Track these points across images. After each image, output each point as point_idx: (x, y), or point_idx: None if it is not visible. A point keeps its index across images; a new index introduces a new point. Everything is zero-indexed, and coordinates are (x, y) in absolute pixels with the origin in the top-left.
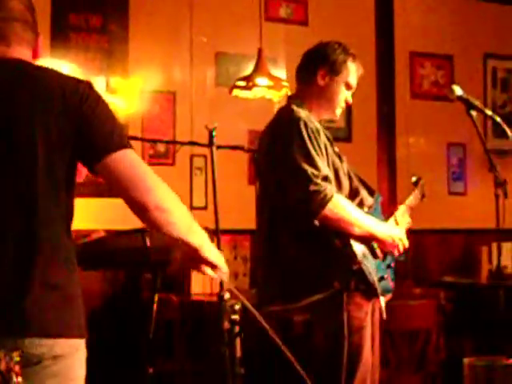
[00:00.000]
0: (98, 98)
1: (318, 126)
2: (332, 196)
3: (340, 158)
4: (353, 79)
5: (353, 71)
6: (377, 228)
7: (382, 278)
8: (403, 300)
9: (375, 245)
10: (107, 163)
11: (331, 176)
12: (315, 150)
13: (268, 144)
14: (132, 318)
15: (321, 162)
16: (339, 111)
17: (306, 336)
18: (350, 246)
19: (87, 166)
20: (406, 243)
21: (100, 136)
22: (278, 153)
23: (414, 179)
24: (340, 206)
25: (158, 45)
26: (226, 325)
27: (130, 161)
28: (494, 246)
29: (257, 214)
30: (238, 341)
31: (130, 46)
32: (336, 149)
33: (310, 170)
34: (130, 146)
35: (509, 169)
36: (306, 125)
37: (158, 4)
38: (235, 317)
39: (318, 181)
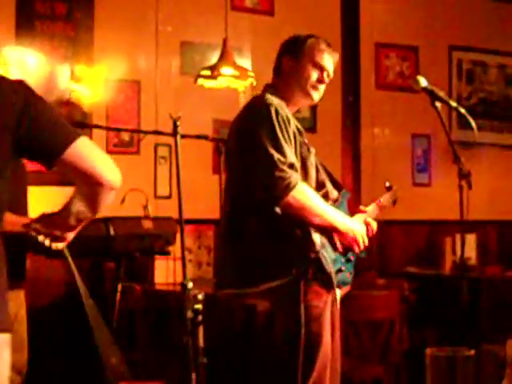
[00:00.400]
0: (38, 98)
1: (290, 115)
2: (296, 184)
3: (309, 149)
4: (320, 59)
5: (318, 50)
6: (339, 220)
7: (339, 270)
8: (367, 290)
9: (336, 237)
10: (65, 158)
11: (297, 164)
12: (284, 137)
13: (237, 129)
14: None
15: (288, 150)
16: (314, 93)
17: (267, 325)
18: (310, 235)
19: (45, 164)
20: (367, 241)
21: (53, 134)
22: (247, 137)
23: (387, 184)
24: (304, 195)
25: (123, 33)
26: (189, 314)
27: (85, 149)
28: (458, 237)
29: (223, 202)
30: (200, 330)
31: (96, 34)
32: (305, 140)
33: (276, 155)
34: (81, 133)
35: (473, 160)
36: (276, 111)
37: None
38: (198, 306)
39: (284, 167)
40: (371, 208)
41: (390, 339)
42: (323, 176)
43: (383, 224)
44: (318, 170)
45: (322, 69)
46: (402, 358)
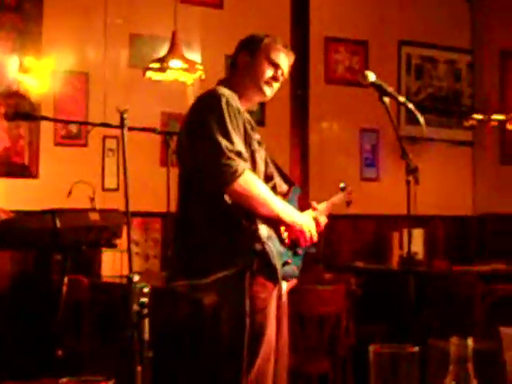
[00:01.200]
0: None
1: (240, 106)
2: (243, 171)
3: (259, 142)
4: (276, 56)
5: (275, 49)
6: (285, 212)
7: (286, 263)
8: (313, 285)
9: (283, 229)
10: None
11: (245, 153)
12: (232, 126)
13: (188, 120)
14: (41, 300)
15: (236, 138)
16: (267, 89)
17: (214, 318)
18: (257, 226)
19: None
20: (315, 236)
21: None
22: (197, 126)
23: (341, 185)
24: (251, 183)
25: (71, 25)
26: (135, 307)
27: None
28: (405, 232)
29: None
30: (146, 323)
31: (44, 25)
32: (257, 135)
33: (224, 142)
34: None
35: (420, 156)
36: (227, 101)
37: None
38: (144, 299)
39: (231, 155)
40: (322, 206)
41: (336, 334)
42: (272, 170)
43: (331, 218)
44: (266, 164)
45: (276, 67)
46: (348, 352)
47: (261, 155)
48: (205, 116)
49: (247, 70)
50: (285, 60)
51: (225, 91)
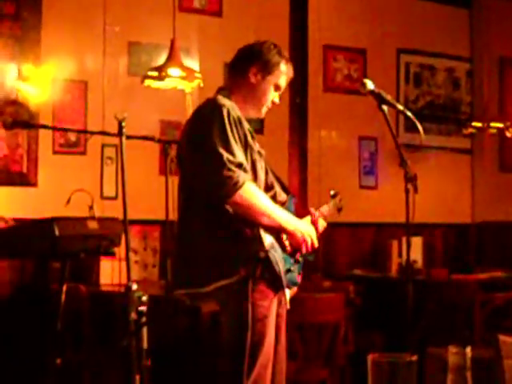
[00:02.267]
0: None
1: (241, 116)
2: (244, 183)
3: (259, 152)
4: (283, 81)
5: (284, 74)
6: (287, 220)
7: (288, 271)
8: (312, 293)
9: (285, 237)
10: None
11: (246, 165)
12: (234, 137)
13: (189, 130)
14: (40, 309)
15: (238, 150)
16: (265, 110)
17: (213, 326)
18: (260, 234)
19: None
20: (316, 242)
21: None
22: (198, 136)
23: (332, 192)
24: (251, 194)
25: (70, 33)
26: (133, 316)
27: None
28: (404, 240)
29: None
30: (144, 332)
31: (43, 33)
32: (257, 145)
33: (225, 155)
34: None
35: (419, 163)
36: (228, 112)
37: None
38: (142, 308)
39: (232, 167)
40: (317, 214)
41: (335, 342)
42: (272, 179)
43: (329, 226)
44: (267, 173)
45: (279, 89)
46: (347, 361)
47: (261, 165)
48: (206, 127)
49: (254, 88)
50: (286, 79)
51: (226, 101)
